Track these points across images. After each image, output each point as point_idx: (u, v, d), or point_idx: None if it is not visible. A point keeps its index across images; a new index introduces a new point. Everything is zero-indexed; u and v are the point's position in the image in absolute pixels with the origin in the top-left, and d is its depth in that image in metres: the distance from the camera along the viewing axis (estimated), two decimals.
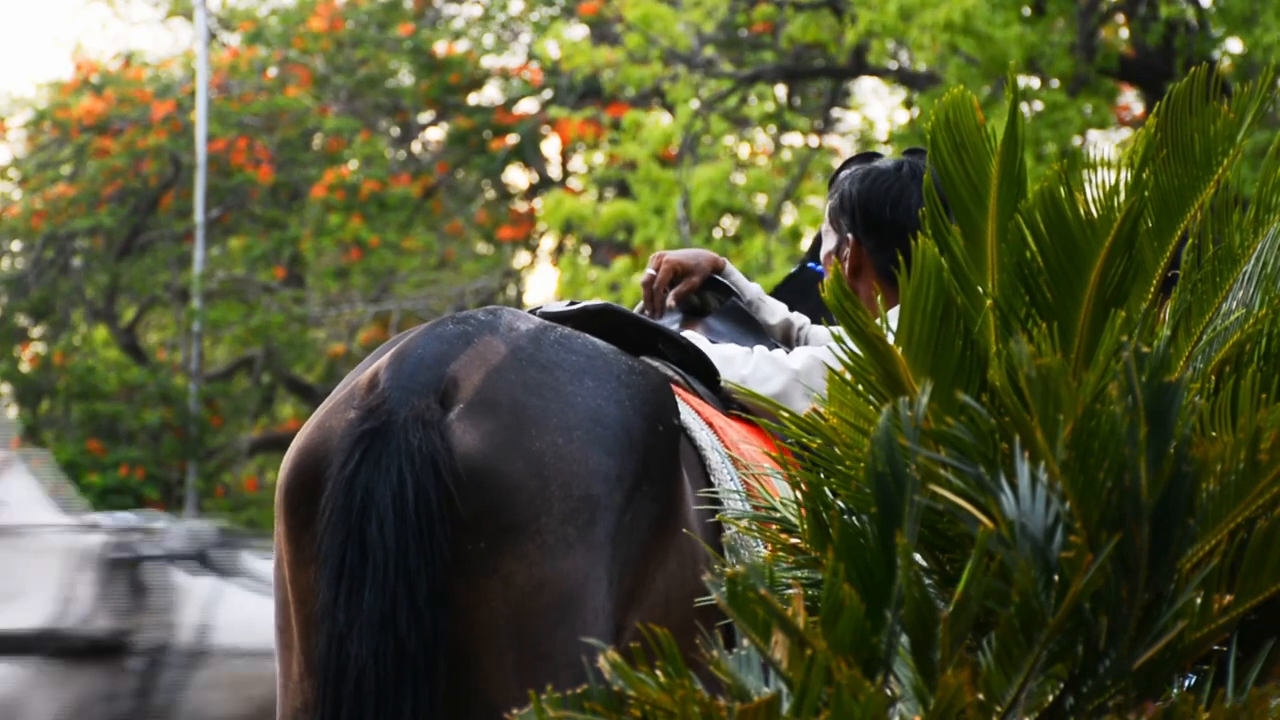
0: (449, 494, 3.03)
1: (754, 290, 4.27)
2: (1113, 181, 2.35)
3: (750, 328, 4.20)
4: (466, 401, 3.11)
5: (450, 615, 3.03)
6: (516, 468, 3.06)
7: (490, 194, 22.90)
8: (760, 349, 3.93)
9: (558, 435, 3.10)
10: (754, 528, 2.70)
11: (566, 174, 22.40)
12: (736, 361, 3.86)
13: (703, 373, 3.77)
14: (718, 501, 3.27)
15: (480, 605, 3.05)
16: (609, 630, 3.08)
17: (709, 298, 4.25)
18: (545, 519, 3.05)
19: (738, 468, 3.41)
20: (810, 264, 4.52)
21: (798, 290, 4.43)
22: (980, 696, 2.12)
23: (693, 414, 3.51)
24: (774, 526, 2.60)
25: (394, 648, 2.98)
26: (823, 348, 3.86)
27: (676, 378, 3.70)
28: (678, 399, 3.52)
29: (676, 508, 3.25)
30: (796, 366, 3.83)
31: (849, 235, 3.93)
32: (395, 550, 2.99)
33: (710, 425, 3.51)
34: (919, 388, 2.29)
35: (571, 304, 3.78)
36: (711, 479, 3.36)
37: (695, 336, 3.94)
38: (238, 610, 6.17)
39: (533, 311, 3.75)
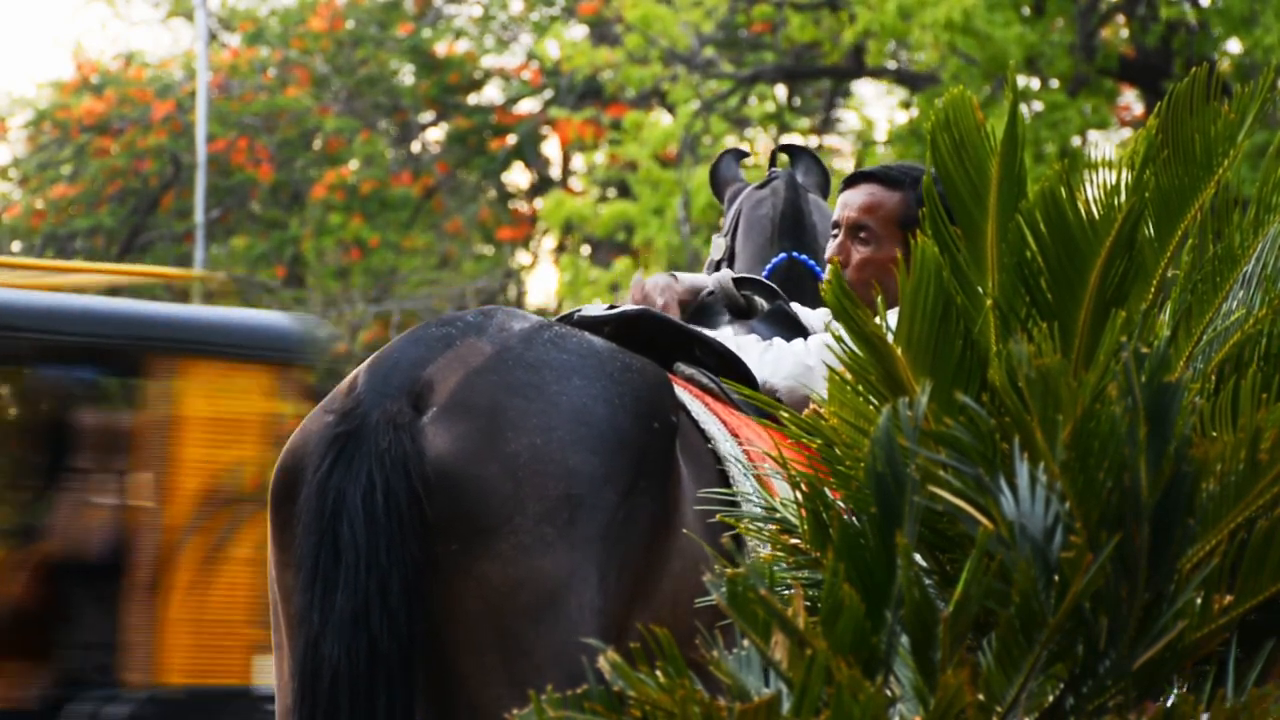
0: (418, 496, 3.04)
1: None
2: (1113, 181, 2.35)
3: (795, 330, 4.19)
4: (440, 405, 3.12)
5: (426, 615, 3.04)
6: (489, 470, 3.07)
7: (491, 194, 22.91)
8: (778, 341, 3.93)
9: (536, 436, 3.10)
10: (754, 528, 2.69)
11: (567, 174, 22.41)
12: (764, 372, 3.87)
13: (739, 379, 3.75)
14: (718, 501, 3.27)
15: (457, 605, 3.06)
16: (600, 627, 3.08)
17: (755, 300, 4.24)
18: (519, 519, 3.06)
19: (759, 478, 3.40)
20: (796, 254, 4.51)
21: (794, 282, 4.43)
22: (980, 696, 2.12)
23: (717, 422, 3.50)
24: (774, 527, 2.60)
25: (366, 647, 3.00)
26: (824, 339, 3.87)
27: (709, 383, 3.70)
28: (695, 400, 3.52)
29: (675, 507, 3.25)
30: (812, 363, 3.85)
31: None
32: (366, 550, 3.01)
33: (735, 435, 3.50)
34: (919, 388, 2.29)
35: (611, 308, 3.79)
36: (733, 488, 3.35)
37: (728, 340, 3.94)
38: None
39: (570, 315, 3.77)
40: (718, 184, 4.84)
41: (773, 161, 4.84)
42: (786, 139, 18.55)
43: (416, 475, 3.05)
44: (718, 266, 4.55)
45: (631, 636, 3.12)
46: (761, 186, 4.63)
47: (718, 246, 4.62)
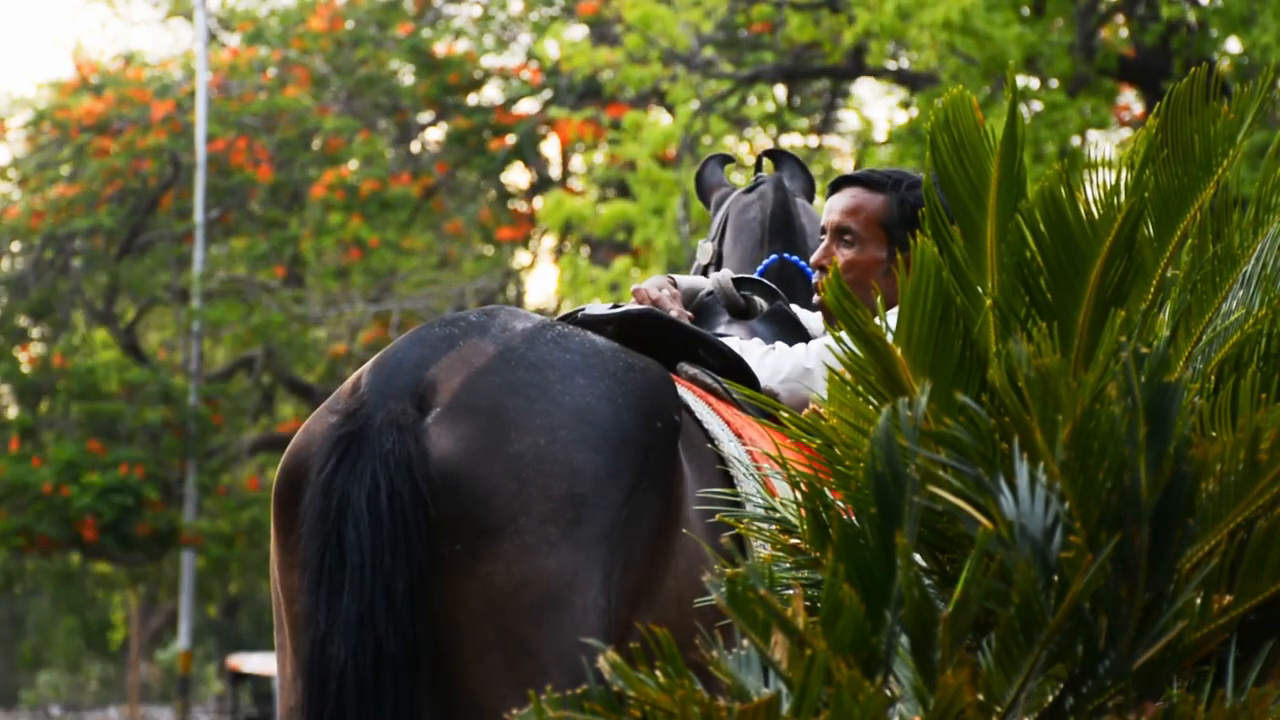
0: (423, 497, 3.04)
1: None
2: (1113, 181, 2.35)
3: (795, 330, 4.20)
4: (444, 405, 3.12)
5: (431, 616, 3.04)
6: (493, 470, 3.07)
7: (490, 194, 22.92)
8: (780, 345, 3.94)
9: (540, 436, 3.10)
10: (755, 528, 2.69)
11: (566, 174, 22.41)
12: (764, 374, 3.88)
13: (742, 380, 3.75)
14: (720, 501, 3.27)
15: (460, 605, 3.06)
16: (603, 627, 3.08)
17: (755, 300, 4.25)
18: (524, 520, 3.06)
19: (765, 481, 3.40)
20: (787, 255, 4.52)
21: (785, 283, 4.44)
22: (980, 696, 2.12)
23: (720, 423, 3.50)
24: (774, 527, 2.60)
25: (372, 648, 3.00)
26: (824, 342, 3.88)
27: (712, 383, 3.70)
28: (698, 400, 3.52)
29: (679, 506, 3.25)
30: (811, 365, 3.87)
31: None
32: (371, 552, 3.01)
33: (739, 436, 3.50)
34: (918, 388, 2.29)
35: (615, 306, 3.80)
36: (737, 488, 3.35)
37: (735, 344, 3.94)
38: None
39: (573, 314, 3.77)
40: (703, 189, 4.87)
41: (758, 167, 4.86)
42: (786, 139, 18.56)
43: (420, 476, 3.05)
44: (705, 271, 4.56)
45: (635, 636, 3.12)
46: (748, 191, 4.64)
47: (705, 251, 4.63)
